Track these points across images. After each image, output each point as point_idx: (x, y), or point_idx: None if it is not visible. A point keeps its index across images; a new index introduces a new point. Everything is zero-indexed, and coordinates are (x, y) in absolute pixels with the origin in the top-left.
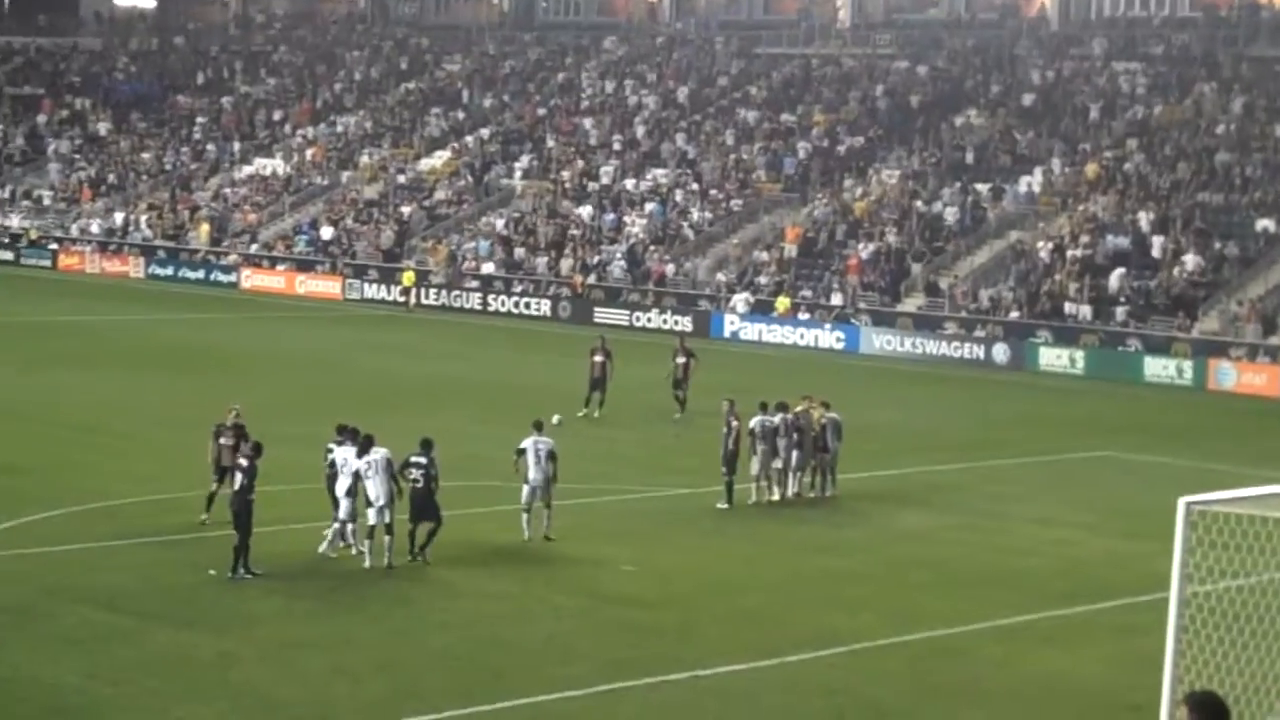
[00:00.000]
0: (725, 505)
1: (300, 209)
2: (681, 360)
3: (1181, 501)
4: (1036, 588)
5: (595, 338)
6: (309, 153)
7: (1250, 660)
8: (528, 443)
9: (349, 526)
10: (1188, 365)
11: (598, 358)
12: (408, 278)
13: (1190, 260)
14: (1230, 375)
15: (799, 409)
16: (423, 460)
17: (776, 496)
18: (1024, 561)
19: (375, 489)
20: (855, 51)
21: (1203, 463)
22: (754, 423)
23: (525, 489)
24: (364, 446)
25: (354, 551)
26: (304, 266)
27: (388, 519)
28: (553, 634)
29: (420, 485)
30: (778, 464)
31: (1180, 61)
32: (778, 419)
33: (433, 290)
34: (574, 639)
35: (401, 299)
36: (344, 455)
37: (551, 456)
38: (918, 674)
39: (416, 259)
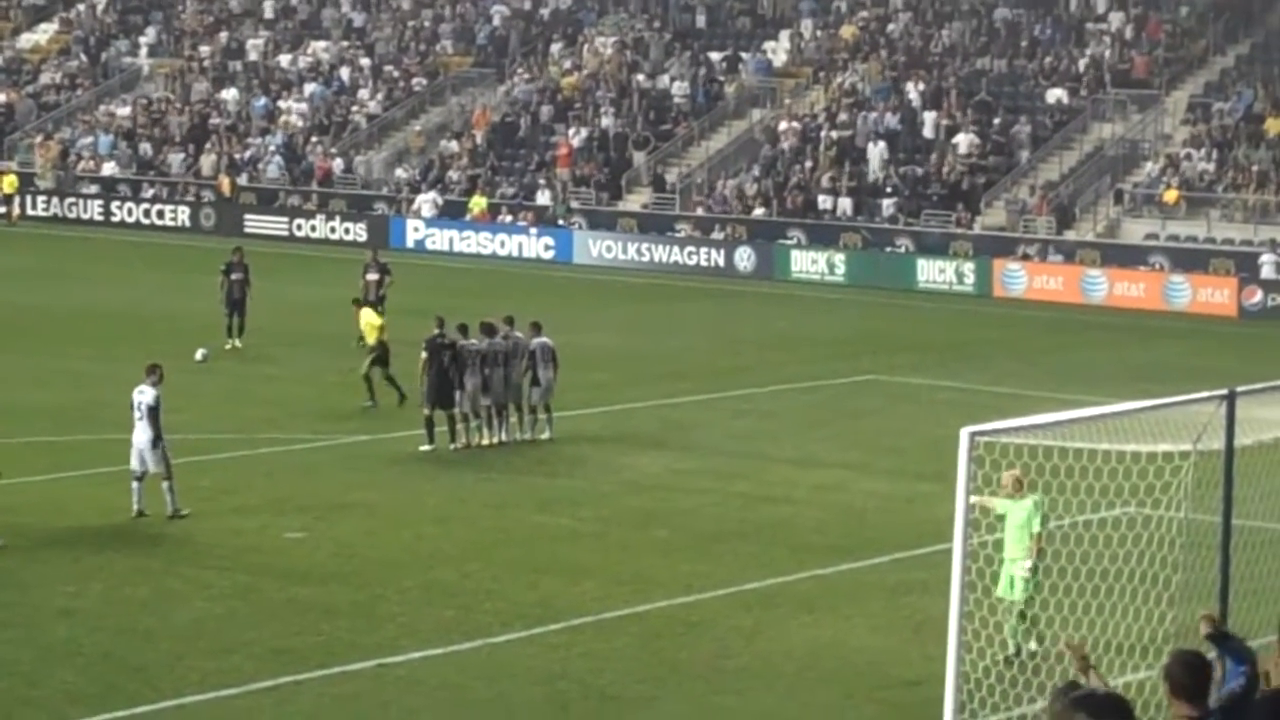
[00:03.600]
0: (428, 447)
1: None
2: (373, 277)
3: (964, 432)
4: (793, 543)
5: (232, 250)
6: None
7: (1052, 622)
8: (134, 393)
9: None
10: (969, 268)
11: (234, 275)
12: (8, 183)
13: (968, 141)
14: (1019, 279)
15: (504, 333)
16: None
17: (486, 440)
18: (778, 511)
19: None
20: None
21: (989, 385)
22: (459, 347)
23: (133, 453)
24: None
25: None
26: None
27: None
28: (202, 619)
29: None
30: (487, 400)
31: None
32: (484, 344)
33: (40, 197)
34: (230, 624)
35: (1, 210)
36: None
37: (153, 414)
38: (653, 652)
39: (19, 159)
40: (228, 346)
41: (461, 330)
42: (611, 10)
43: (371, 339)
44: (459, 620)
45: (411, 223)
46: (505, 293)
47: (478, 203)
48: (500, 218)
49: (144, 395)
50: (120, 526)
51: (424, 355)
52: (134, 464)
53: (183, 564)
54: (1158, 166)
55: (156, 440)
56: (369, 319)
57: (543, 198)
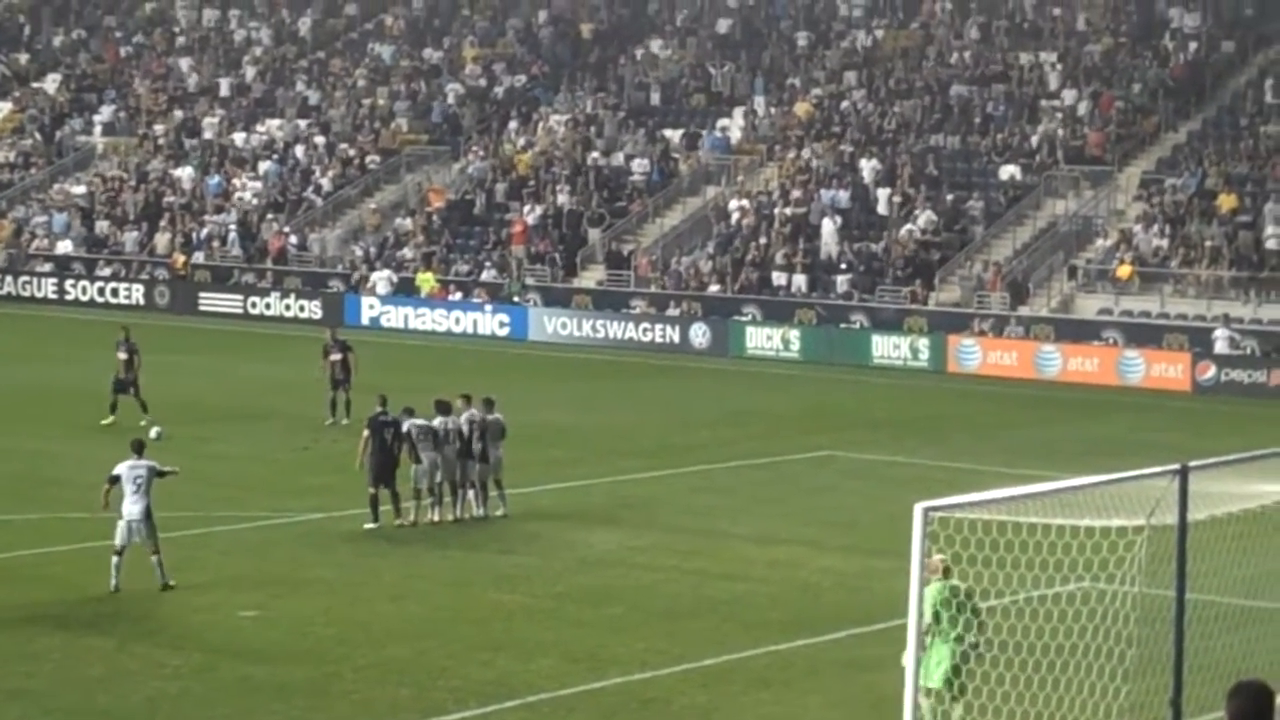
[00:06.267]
0: (373, 525)
1: None
2: (337, 357)
3: (918, 508)
4: (749, 619)
5: (119, 329)
6: None
7: (1009, 697)
8: (122, 468)
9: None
10: (923, 344)
11: (121, 354)
12: None
13: (923, 217)
14: (974, 355)
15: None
16: None
17: (437, 517)
18: (734, 588)
19: None
20: None
21: (944, 460)
22: (406, 427)
23: (119, 526)
24: None
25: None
26: None
27: None
28: (156, 698)
29: None
30: (439, 476)
31: None
32: (436, 422)
33: None
34: (184, 703)
35: None
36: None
37: (155, 476)
38: None
39: None
40: (105, 422)
41: (408, 412)
42: (565, 88)
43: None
44: (414, 698)
45: (366, 300)
46: (460, 370)
47: (425, 280)
48: (452, 294)
49: (139, 469)
50: (73, 605)
51: (365, 433)
52: (119, 539)
53: (137, 642)
54: (1111, 242)
55: (151, 513)
56: None
57: (487, 275)
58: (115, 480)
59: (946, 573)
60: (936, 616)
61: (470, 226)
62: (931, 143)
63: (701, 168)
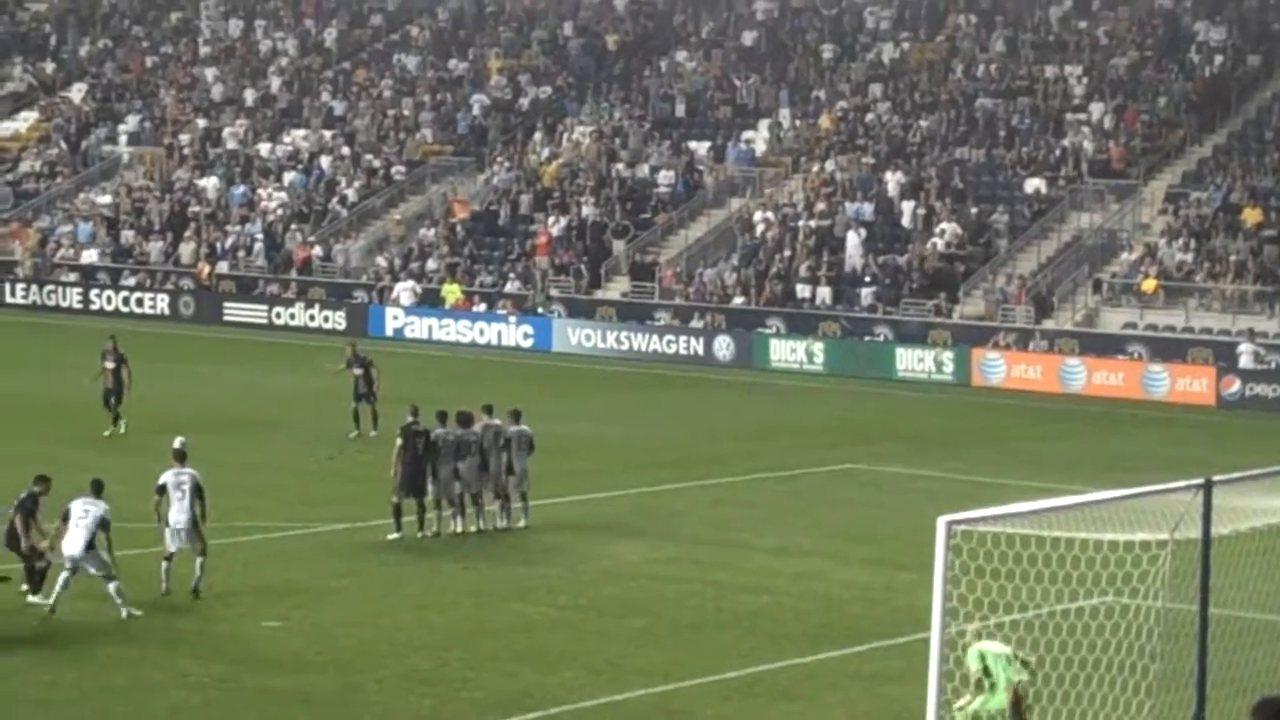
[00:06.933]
0: (396, 535)
1: None
2: (359, 372)
3: (941, 521)
4: (772, 632)
5: (106, 339)
6: None
7: (1031, 711)
8: (168, 476)
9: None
10: (948, 357)
11: (109, 363)
12: None
13: (948, 230)
14: (998, 368)
15: (484, 422)
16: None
17: (459, 528)
18: (757, 600)
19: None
20: None
21: (967, 474)
22: (434, 436)
23: (167, 533)
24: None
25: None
26: None
27: None
28: (179, 708)
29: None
30: (460, 488)
31: None
32: (459, 432)
33: (19, 286)
34: (207, 713)
35: None
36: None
37: (198, 491)
38: None
39: None
40: (106, 434)
41: (440, 418)
42: (591, 100)
43: None
44: (436, 710)
45: (391, 311)
46: (484, 381)
47: (451, 291)
48: (477, 305)
49: (183, 476)
50: (97, 615)
51: (399, 442)
52: (170, 544)
53: (160, 653)
54: (1136, 256)
55: (197, 520)
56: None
57: (511, 287)
58: (162, 490)
59: (978, 636)
60: (986, 669)
61: (495, 238)
62: (956, 155)
63: (726, 180)
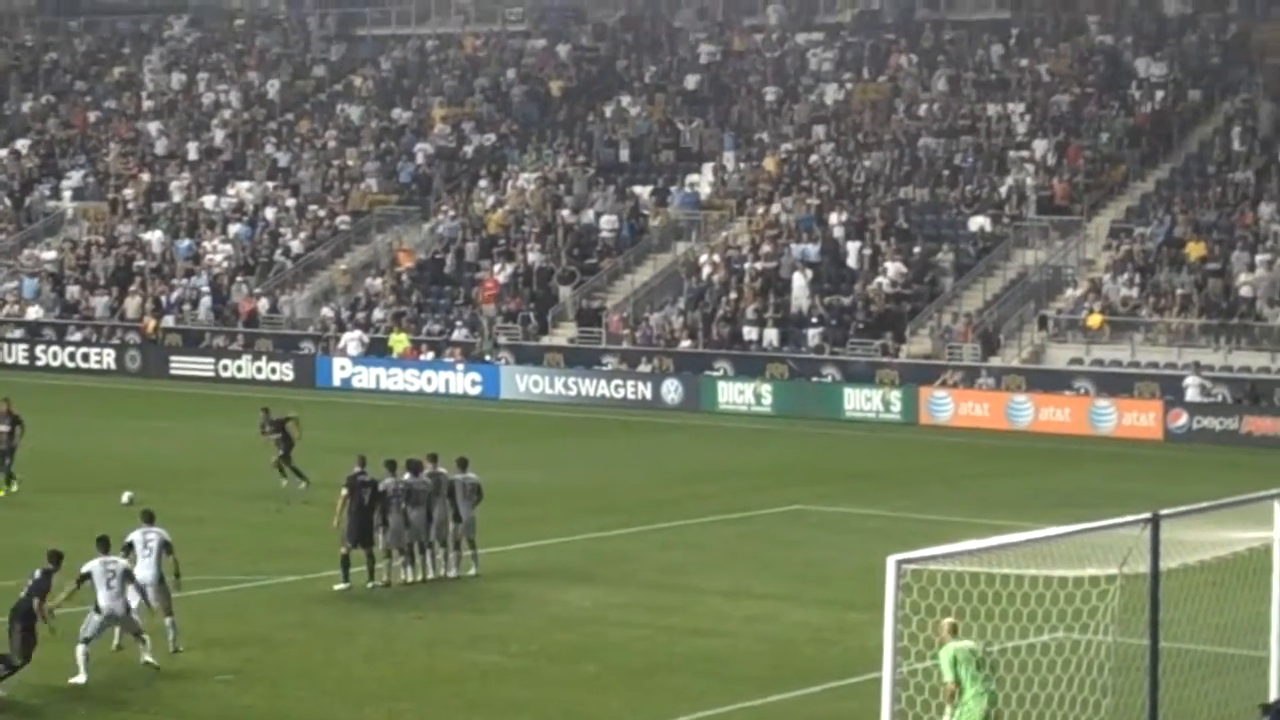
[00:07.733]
0: (343, 586)
1: None
2: (276, 435)
3: (891, 560)
4: (725, 675)
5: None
6: None
7: None
8: (135, 535)
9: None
10: (895, 396)
11: (2, 426)
12: None
13: (893, 269)
14: (946, 406)
15: (429, 470)
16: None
17: (410, 577)
18: (709, 644)
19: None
20: (480, 29)
21: (917, 513)
22: (383, 485)
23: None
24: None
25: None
26: None
27: None
28: None
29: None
30: (406, 537)
31: (872, 30)
32: (406, 479)
33: None
34: None
35: None
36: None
37: (166, 548)
38: None
39: None
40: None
41: (389, 467)
42: (534, 146)
43: None
44: None
45: (338, 361)
46: (433, 429)
47: (398, 340)
48: (424, 354)
49: (150, 535)
50: (44, 673)
51: (344, 492)
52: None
53: (109, 710)
54: (1081, 292)
55: (163, 578)
56: None
57: (459, 334)
58: (128, 548)
59: (954, 631)
60: (957, 679)
61: (441, 286)
62: (901, 195)
63: (671, 224)
